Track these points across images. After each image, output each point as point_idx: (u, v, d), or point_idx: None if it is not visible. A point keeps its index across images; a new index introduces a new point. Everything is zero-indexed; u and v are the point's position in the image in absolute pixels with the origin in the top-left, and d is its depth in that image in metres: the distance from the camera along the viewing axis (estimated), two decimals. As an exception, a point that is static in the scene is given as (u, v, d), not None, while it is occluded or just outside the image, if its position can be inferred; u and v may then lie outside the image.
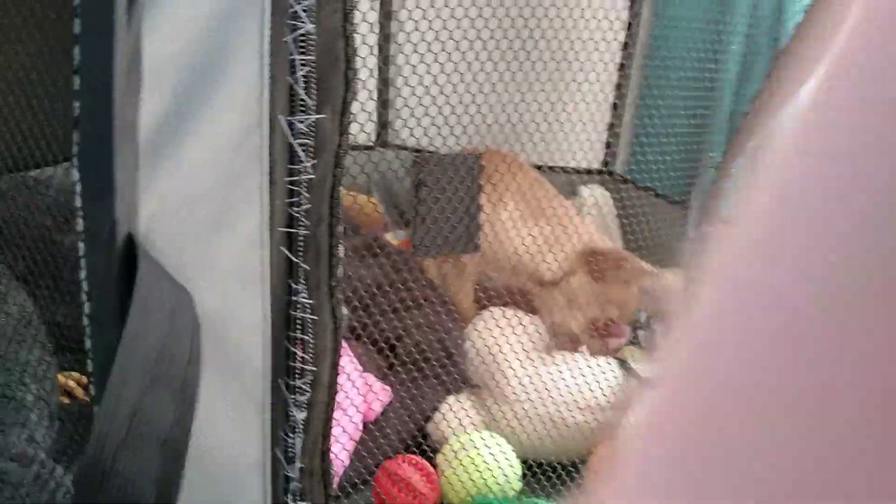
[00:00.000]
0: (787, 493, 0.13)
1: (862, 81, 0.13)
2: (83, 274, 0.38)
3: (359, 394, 0.88)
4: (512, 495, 0.89)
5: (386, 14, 1.11)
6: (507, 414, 0.95)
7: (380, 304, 1.00)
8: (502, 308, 1.01)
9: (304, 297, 0.45)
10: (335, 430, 0.82)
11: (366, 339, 1.00)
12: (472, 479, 0.88)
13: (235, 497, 0.47)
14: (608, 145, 1.28)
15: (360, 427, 0.90)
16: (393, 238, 1.24)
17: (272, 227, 0.43)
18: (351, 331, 0.94)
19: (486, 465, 0.89)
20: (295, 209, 0.43)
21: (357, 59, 0.44)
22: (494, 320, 0.99)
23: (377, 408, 0.94)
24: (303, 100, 0.40)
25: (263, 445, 0.46)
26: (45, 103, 0.76)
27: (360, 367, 0.93)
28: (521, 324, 1.00)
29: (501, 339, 0.97)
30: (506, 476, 0.89)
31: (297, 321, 0.45)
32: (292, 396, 0.45)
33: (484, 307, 1.03)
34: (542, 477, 0.88)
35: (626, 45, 1.19)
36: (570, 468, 0.89)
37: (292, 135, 0.41)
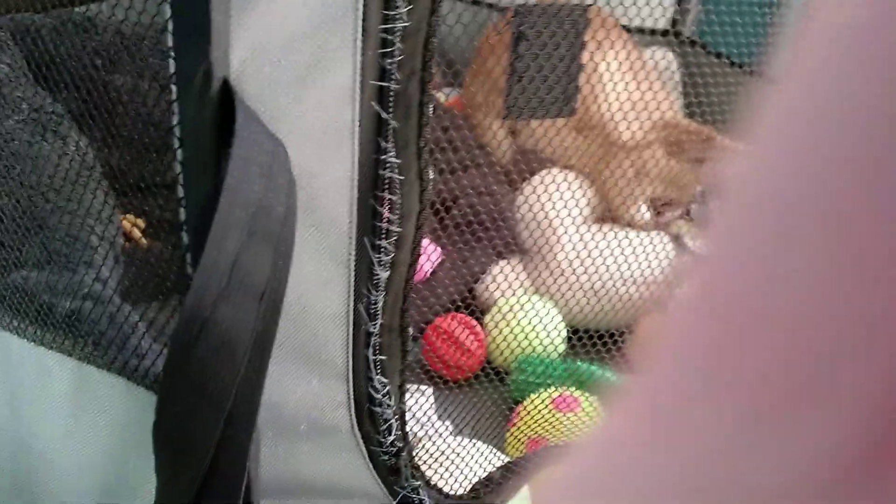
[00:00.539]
0: (825, 375, 0.12)
1: None
2: (175, 119, 0.37)
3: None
4: (556, 358, 0.91)
5: None
6: (556, 280, 0.95)
7: (431, 167, 0.99)
8: (557, 171, 0.98)
9: (391, 156, 0.43)
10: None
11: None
12: (517, 341, 0.90)
13: (318, 348, 0.48)
14: (678, 3, 1.20)
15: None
16: (443, 97, 1.20)
17: (364, 79, 0.40)
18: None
19: (531, 328, 0.90)
20: (387, 61, 0.41)
21: None
22: (549, 181, 0.97)
23: (427, 267, 0.95)
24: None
25: (347, 301, 0.46)
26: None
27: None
28: (574, 189, 0.98)
29: (553, 204, 0.95)
30: (551, 340, 0.91)
31: (385, 180, 0.43)
32: (377, 255, 0.45)
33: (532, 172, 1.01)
34: (587, 342, 0.90)
35: None
36: (616, 336, 0.91)
37: (391, -24, 0.38)
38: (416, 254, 0.47)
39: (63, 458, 0.54)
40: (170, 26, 0.34)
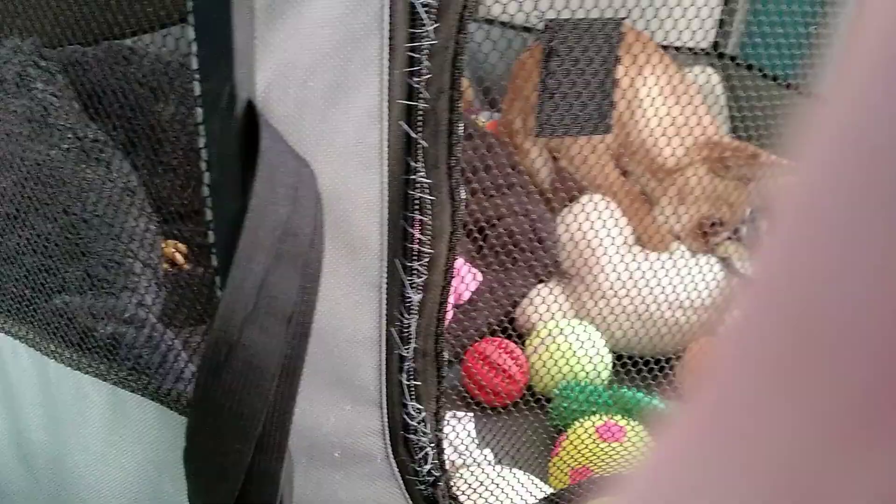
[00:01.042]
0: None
1: None
2: (202, 142, 0.36)
3: (455, 274, 0.87)
4: (600, 385, 0.88)
5: None
6: (599, 305, 0.93)
7: (471, 188, 0.98)
8: (599, 196, 0.97)
9: (421, 176, 0.42)
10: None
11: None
12: (558, 367, 0.87)
13: (350, 373, 0.47)
14: (721, 23, 1.17)
15: (452, 308, 0.90)
16: (482, 120, 1.19)
17: (391, 98, 0.40)
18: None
19: (573, 354, 0.88)
20: (415, 79, 0.40)
21: None
22: (591, 208, 0.95)
23: (466, 293, 0.93)
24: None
25: (379, 324, 0.45)
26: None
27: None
28: (617, 213, 0.96)
29: (597, 228, 0.93)
30: (594, 366, 0.89)
31: (415, 201, 0.43)
32: (409, 278, 0.44)
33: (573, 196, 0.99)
34: (632, 369, 0.87)
35: None
36: (663, 363, 0.87)
37: (417, -7, 0.37)
38: (449, 276, 0.46)
39: (98, 480, 0.54)
40: (194, 48, 0.34)
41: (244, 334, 0.35)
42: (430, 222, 0.43)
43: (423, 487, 0.52)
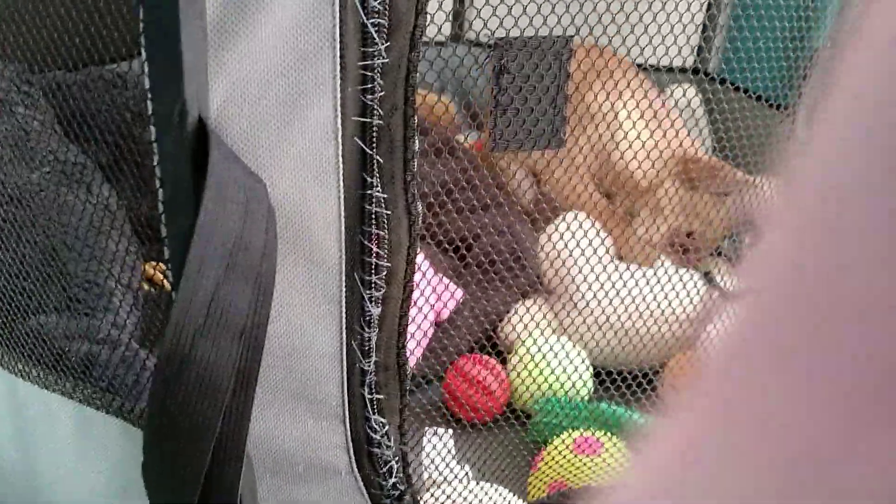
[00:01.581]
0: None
1: None
2: (156, 159, 0.37)
3: (433, 292, 0.88)
4: (581, 400, 0.88)
5: None
6: (578, 321, 0.93)
7: (450, 206, 0.99)
8: (583, 214, 0.97)
9: (377, 191, 0.43)
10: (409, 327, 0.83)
11: (437, 241, 0.99)
12: (537, 383, 0.88)
13: (313, 387, 0.47)
14: (702, 42, 1.19)
15: (433, 325, 0.91)
16: (465, 140, 1.20)
17: (344, 115, 0.41)
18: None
19: (554, 370, 0.88)
20: (368, 97, 0.41)
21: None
22: (573, 225, 0.96)
23: (446, 311, 0.94)
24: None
25: (339, 338, 0.46)
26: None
27: (430, 270, 0.92)
28: (599, 228, 0.97)
29: (577, 244, 0.94)
30: (574, 381, 0.89)
31: (372, 215, 0.43)
32: (367, 291, 0.45)
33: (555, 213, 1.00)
34: (613, 383, 0.87)
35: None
36: (643, 377, 0.88)
37: (364, 13, 0.38)
38: (408, 289, 0.47)
39: (69, 496, 0.54)
40: (145, 68, 0.35)
41: (196, 347, 0.36)
42: (387, 236, 0.44)
43: (388, 501, 0.52)
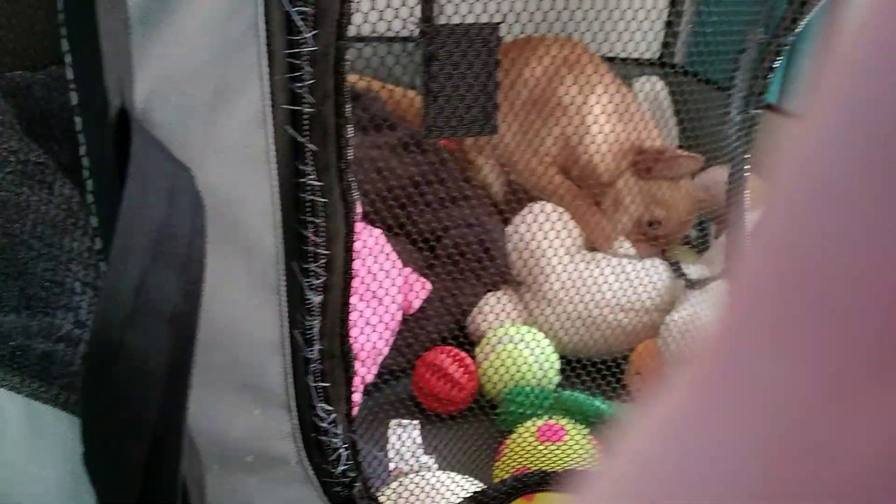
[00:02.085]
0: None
1: None
2: (82, 150, 0.38)
3: (395, 285, 0.88)
4: (549, 389, 0.89)
5: None
6: (547, 310, 0.94)
7: (419, 200, 0.99)
8: (546, 204, 0.98)
9: (312, 179, 0.43)
10: (373, 320, 0.83)
11: (407, 232, 1.00)
12: (508, 373, 0.88)
13: (257, 377, 0.47)
14: (666, 34, 1.20)
15: (399, 319, 0.91)
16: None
17: (274, 103, 0.41)
18: (388, 228, 0.94)
19: (522, 359, 0.89)
20: (297, 84, 0.41)
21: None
22: (540, 216, 0.96)
23: (416, 302, 0.94)
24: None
25: (281, 327, 0.46)
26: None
27: (399, 263, 0.93)
28: (566, 219, 0.97)
29: (544, 235, 0.95)
30: (543, 370, 0.90)
31: (307, 204, 0.44)
32: (307, 280, 0.45)
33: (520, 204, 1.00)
34: (581, 371, 0.88)
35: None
36: (611, 364, 0.88)
37: (290, 1, 0.39)
38: (348, 277, 0.47)
39: (22, 496, 0.54)
40: (68, 59, 0.35)
41: (125, 336, 0.36)
42: (323, 224, 0.44)
43: (339, 489, 0.52)
